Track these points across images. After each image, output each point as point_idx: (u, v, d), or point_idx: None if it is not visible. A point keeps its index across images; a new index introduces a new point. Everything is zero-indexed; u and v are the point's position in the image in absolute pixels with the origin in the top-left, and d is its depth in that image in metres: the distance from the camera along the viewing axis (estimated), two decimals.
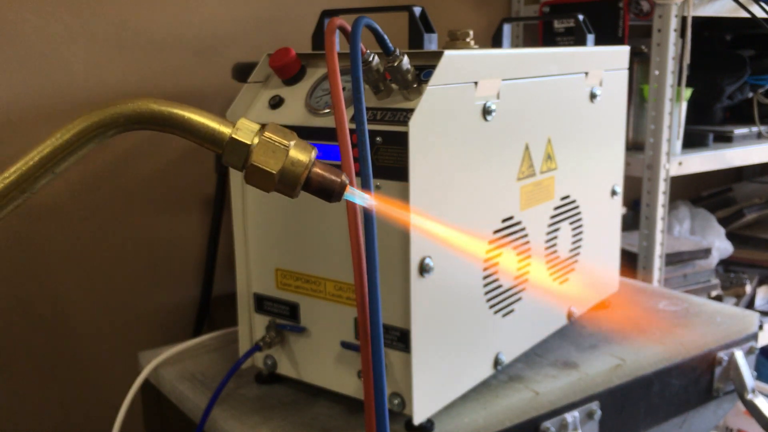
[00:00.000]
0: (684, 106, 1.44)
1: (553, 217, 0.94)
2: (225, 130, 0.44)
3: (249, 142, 0.44)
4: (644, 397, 0.95)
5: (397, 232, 0.71)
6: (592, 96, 0.98)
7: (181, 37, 1.28)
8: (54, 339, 1.26)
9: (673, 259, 1.54)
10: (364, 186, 0.61)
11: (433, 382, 0.77)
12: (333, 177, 0.45)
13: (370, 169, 0.64)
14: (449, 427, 0.79)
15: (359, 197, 0.49)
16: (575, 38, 1.02)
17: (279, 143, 0.44)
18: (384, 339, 0.63)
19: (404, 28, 0.80)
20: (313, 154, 0.45)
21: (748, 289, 1.72)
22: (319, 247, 0.80)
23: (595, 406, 0.89)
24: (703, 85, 1.56)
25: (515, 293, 0.88)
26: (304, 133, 0.77)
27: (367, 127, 0.64)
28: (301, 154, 0.44)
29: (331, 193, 0.45)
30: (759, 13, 1.37)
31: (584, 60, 0.97)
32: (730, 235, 1.77)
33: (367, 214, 0.64)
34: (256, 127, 0.44)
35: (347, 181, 0.46)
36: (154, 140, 1.29)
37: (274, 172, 0.43)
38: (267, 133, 0.44)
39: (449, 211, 0.76)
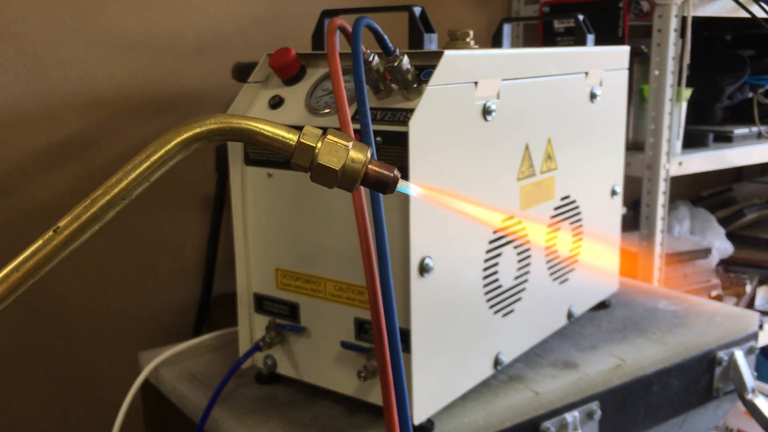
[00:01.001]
0: (684, 106, 1.44)
1: (553, 217, 0.94)
2: (293, 136, 0.49)
3: (314, 145, 0.49)
4: (644, 397, 0.95)
5: (397, 232, 0.71)
6: (592, 96, 0.98)
7: (181, 37, 1.28)
8: (54, 339, 1.26)
9: (673, 259, 1.54)
10: None
11: (433, 382, 0.77)
12: (387, 172, 0.50)
13: None
14: (449, 427, 0.79)
15: (411, 188, 0.54)
16: (575, 38, 1.02)
17: (340, 144, 0.49)
18: None
19: (404, 28, 0.80)
20: (369, 152, 0.50)
21: (748, 289, 1.72)
22: (319, 247, 0.80)
23: (595, 406, 0.89)
24: (703, 85, 1.56)
25: (515, 293, 0.88)
26: None
27: None
28: (359, 153, 0.50)
29: (386, 185, 0.51)
30: (759, 13, 1.36)
31: (584, 60, 0.97)
32: (730, 235, 1.77)
33: (376, 210, 0.64)
34: (319, 132, 0.50)
35: (399, 175, 0.51)
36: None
37: (337, 169, 0.49)
38: (330, 136, 0.50)
39: (449, 211, 0.76)
